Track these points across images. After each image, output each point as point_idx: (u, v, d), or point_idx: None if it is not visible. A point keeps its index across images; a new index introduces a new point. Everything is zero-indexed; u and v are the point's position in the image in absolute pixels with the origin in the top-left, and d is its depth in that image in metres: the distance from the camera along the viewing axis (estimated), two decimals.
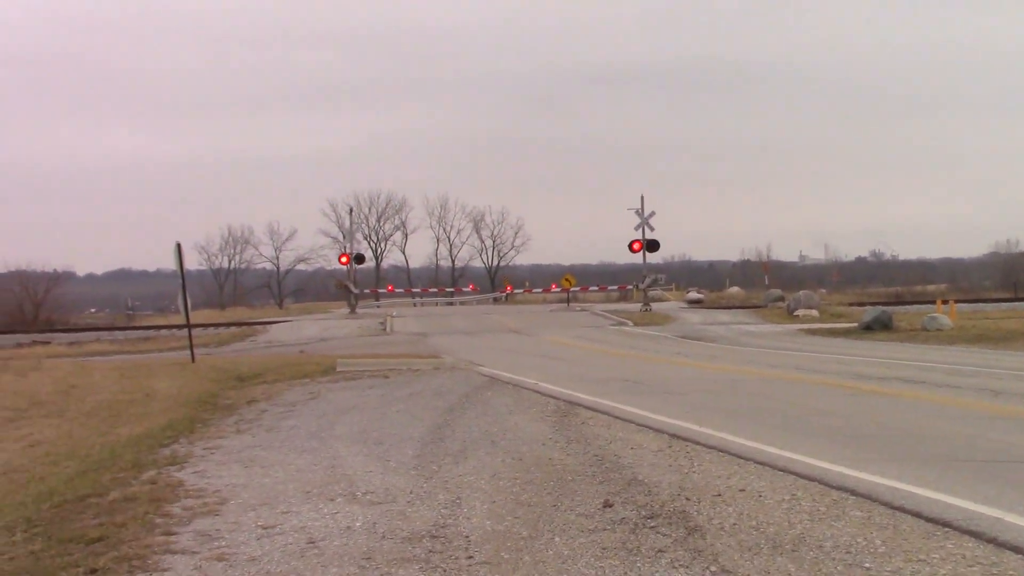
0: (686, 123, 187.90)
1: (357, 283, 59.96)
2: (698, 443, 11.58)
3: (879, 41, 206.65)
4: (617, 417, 13.94)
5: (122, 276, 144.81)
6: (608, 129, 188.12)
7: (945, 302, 43.91)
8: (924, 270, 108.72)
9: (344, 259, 60.89)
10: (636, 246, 52.98)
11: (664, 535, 7.57)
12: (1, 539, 8.09)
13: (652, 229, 52.63)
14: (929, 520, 7.75)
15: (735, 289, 77.89)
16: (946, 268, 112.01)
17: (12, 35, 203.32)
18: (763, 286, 69.51)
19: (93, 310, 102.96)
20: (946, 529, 7.49)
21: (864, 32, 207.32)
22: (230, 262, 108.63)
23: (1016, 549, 6.94)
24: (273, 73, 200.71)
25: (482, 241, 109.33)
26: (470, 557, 7.17)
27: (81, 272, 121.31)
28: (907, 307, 50.10)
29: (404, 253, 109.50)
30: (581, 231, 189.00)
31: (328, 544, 7.63)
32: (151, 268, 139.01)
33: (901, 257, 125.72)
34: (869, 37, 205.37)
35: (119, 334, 49.53)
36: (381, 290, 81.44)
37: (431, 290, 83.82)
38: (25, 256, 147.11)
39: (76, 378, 22.90)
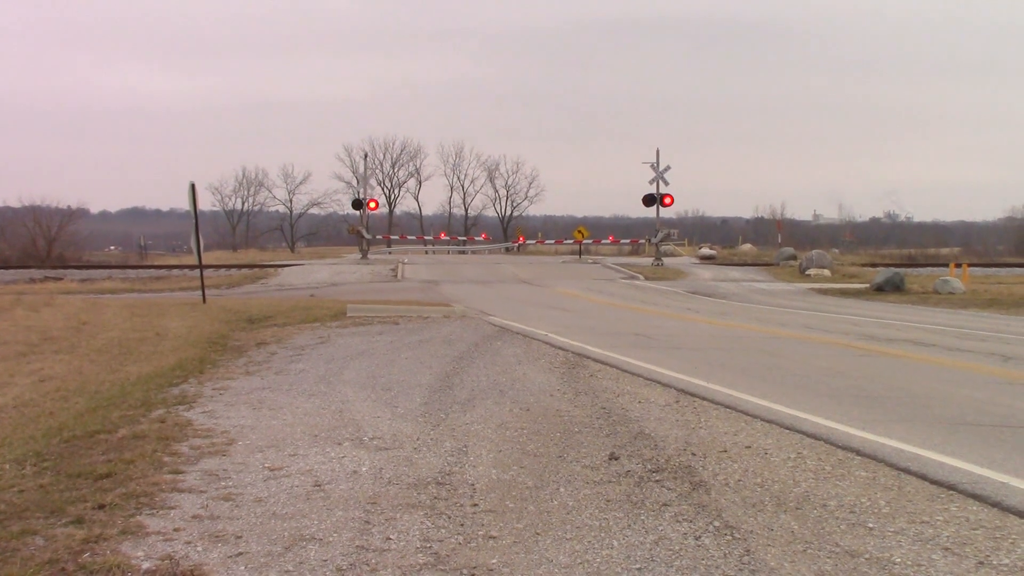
0: (704, 79, 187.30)
1: (369, 229, 59.93)
2: (706, 399, 11.59)
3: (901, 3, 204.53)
4: (625, 371, 13.95)
5: (136, 215, 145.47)
6: (627, 83, 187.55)
7: (958, 265, 43.81)
8: (938, 232, 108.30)
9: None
10: (649, 200, 52.83)
11: (669, 489, 7.60)
12: (11, 472, 8.14)
13: (667, 183, 52.52)
14: (934, 482, 7.75)
15: (748, 246, 77.88)
16: (961, 231, 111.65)
17: None
18: (776, 244, 69.53)
19: (112, 248, 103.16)
20: (951, 492, 7.50)
21: None
22: (243, 204, 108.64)
23: (1020, 513, 6.93)
24: (294, 18, 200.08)
25: (496, 191, 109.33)
26: (475, 505, 7.21)
27: (95, 209, 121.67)
28: (920, 269, 50.04)
29: (417, 200, 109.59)
30: (595, 184, 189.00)
31: (334, 488, 7.67)
32: (164, 207, 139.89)
33: (915, 219, 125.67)
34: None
35: (131, 272, 49.68)
36: (393, 236, 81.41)
37: (443, 238, 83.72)
38: (39, 192, 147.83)
39: (87, 315, 22.96)
